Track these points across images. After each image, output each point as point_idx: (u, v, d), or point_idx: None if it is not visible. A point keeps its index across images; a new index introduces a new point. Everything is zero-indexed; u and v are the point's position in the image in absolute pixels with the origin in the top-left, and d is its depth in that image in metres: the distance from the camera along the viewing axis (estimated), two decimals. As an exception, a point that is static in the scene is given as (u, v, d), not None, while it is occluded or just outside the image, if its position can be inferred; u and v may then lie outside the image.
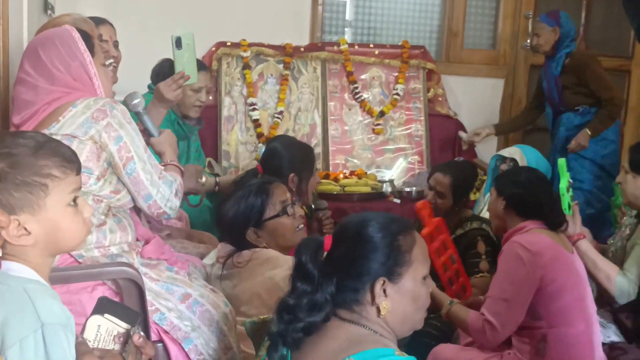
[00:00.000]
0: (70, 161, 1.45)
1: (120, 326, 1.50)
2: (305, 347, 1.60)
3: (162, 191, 2.18)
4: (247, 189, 2.50)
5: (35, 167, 1.39)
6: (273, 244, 2.48)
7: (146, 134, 2.38)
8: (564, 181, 2.69)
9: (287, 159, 3.12)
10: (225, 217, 2.50)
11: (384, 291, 1.58)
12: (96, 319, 1.48)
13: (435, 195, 3.30)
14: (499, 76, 5.42)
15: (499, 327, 2.46)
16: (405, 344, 2.98)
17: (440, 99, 5.17)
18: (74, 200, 1.45)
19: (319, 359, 1.55)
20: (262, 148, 4.52)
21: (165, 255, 2.27)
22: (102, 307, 1.50)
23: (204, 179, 3.22)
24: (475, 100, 5.34)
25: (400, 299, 1.60)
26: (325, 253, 1.62)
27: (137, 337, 1.48)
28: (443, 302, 2.65)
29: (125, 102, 2.34)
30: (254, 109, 4.77)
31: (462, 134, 4.99)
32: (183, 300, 2.14)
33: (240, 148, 4.75)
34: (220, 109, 4.73)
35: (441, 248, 2.98)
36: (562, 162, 2.78)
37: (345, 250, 1.62)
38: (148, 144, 2.32)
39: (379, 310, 1.58)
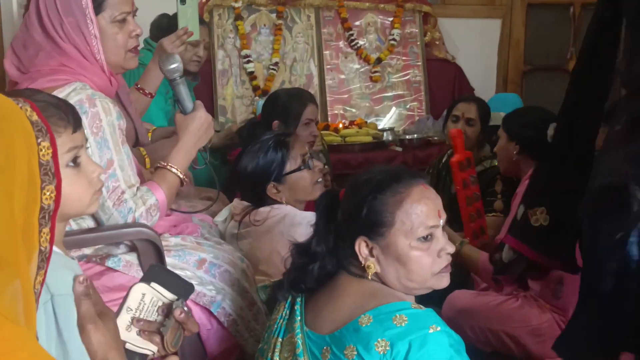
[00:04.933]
0: (65, 118, 1.35)
1: (166, 297, 1.40)
2: (320, 304, 1.60)
3: (114, 219, 1.91)
4: (265, 143, 2.43)
5: None
6: (292, 198, 2.44)
7: (179, 106, 2.13)
8: None
9: (271, 107, 3.14)
10: (244, 172, 2.44)
11: (371, 251, 1.54)
12: (141, 287, 1.39)
13: (464, 124, 3.31)
14: (495, 16, 5.36)
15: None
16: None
17: (437, 42, 5.11)
18: (74, 160, 1.37)
19: (337, 317, 1.54)
20: (258, 101, 4.47)
21: (176, 230, 2.19)
22: (152, 274, 1.41)
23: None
24: (472, 42, 5.29)
25: (386, 260, 1.54)
26: None
27: (179, 313, 1.37)
28: (454, 242, 2.61)
29: (159, 66, 2.15)
30: (248, 62, 4.70)
31: None
32: (199, 266, 2.08)
33: (236, 102, 4.68)
34: (214, 62, 4.65)
35: (468, 180, 2.93)
36: None
37: (342, 206, 1.61)
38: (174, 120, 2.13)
39: (367, 270, 1.55)
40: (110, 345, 1.26)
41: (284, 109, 3.09)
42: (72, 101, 1.80)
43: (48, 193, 0.98)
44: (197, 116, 2.08)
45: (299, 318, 1.59)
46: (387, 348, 1.41)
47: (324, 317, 1.56)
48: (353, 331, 1.47)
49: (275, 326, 1.63)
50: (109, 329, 1.28)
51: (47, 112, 1.33)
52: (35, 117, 0.98)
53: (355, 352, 1.44)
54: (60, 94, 1.85)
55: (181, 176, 2.04)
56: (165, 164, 2.03)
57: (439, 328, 1.43)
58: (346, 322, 1.50)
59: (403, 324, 1.43)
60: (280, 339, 1.61)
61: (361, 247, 1.54)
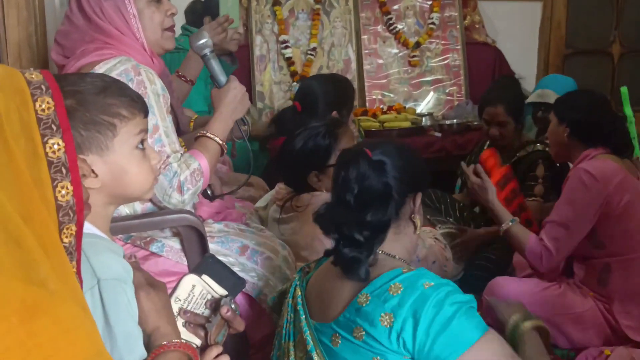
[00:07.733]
0: (137, 101, 1.40)
1: (216, 292, 1.41)
2: (325, 288, 1.60)
3: (160, 183, 1.91)
4: (315, 130, 2.40)
5: (103, 105, 1.33)
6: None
7: (213, 82, 2.17)
8: (628, 110, 2.63)
9: (322, 95, 3.04)
10: (290, 155, 2.42)
11: None
12: (192, 278, 1.40)
13: (497, 127, 3.27)
14: (536, -1, 5.28)
15: (554, 253, 2.44)
16: (461, 278, 2.99)
17: (477, 26, 5.04)
18: (142, 143, 1.40)
19: (338, 300, 1.55)
20: (296, 87, 4.43)
21: (219, 216, 2.22)
22: (205, 266, 1.41)
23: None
24: (513, 25, 5.20)
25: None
26: None
27: (226, 310, 1.37)
28: (504, 218, 2.57)
29: (189, 43, 2.19)
30: (286, 47, 4.69)
31: None
32: (242, 253, 2.10)
33: (274, 88, 4.69)
34: (251, 48, 4.65)
35: (510, 197, 2.89)
36: (624, 90, 2.70)
37: (394, 170, 1.58)
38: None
39: (415, 226, 1.61)
40: (161, 313, 1.30)
41: (344, 96, 3.05)
42: (117, 70, 1.88)
43: (63, 191, 0.97)
44: (232, 87, 2.12)
45: (304, 316, 1.59)
46: (392, 319, 1.42)
47: (328, 303, 1.57)
48: (355, 312, 1.48)
49: (284, 331, 1.65)
50: (160, 298, 1.33)
51: (124, 94, 1.37)
52: (36, 78, 0.98)
53: (364, 332, 1.46)
54: (106, 65, 1.91)
55: (220, 142, 2.06)
56: (205, 132, 2.07)
57: (432, 283, 1.44)
58: (346, 304, 1.51)
59: (399, 292, 1.45)
60: (291, 342, 1.62)
61: (418, 200, 1.62)
